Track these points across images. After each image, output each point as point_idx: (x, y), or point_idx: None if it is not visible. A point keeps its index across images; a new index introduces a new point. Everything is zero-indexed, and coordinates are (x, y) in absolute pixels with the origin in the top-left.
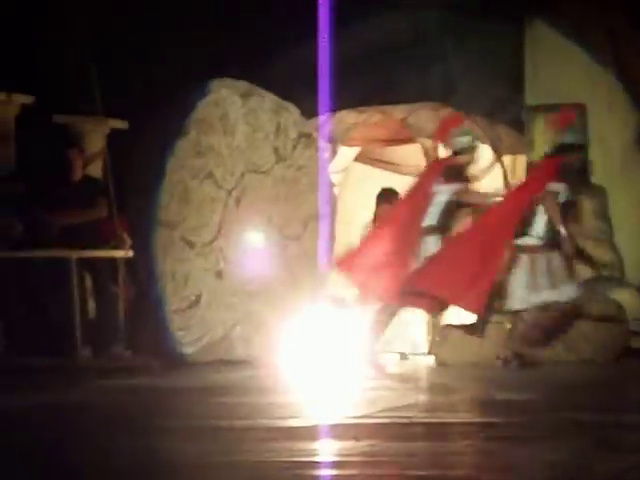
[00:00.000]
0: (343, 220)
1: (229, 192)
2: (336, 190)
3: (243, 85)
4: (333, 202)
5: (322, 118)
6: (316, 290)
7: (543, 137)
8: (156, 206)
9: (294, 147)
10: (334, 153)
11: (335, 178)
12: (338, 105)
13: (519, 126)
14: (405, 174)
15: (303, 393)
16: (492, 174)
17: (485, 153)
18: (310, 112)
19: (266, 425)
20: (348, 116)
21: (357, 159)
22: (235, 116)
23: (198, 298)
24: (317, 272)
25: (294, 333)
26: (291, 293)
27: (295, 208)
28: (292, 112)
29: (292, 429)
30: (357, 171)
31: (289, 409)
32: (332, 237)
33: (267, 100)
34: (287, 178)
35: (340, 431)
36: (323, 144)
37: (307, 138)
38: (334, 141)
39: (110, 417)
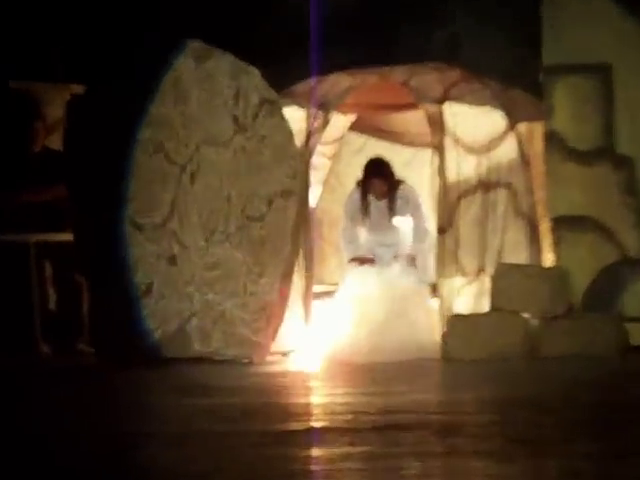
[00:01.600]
0: (336, 198)
1: (182, 167)
2: (329, 163)
3: (197, 45)
4: (302, 177)
5: (312, 81)
6: (283, 276)
7: (564, 102)
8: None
9: (256, 115)
10: (326, 121)
11: (327, 150)
12: (330, 66)
13: (536, 90)
14: (407, 144)
15: (288, 393)
16: (506, 144)
17: (498, 120)
18: (298, 74)
19: (253, 429)
20: (342, 79)
21: (352, 128)
22: (189, 81)
23: (149, 287)
24: (283, 256)
25: (262, 325)
26: (255, 280)
27: (258, 184)
28: (253, 75)
29: (282, 433)
30: (353, 142)
31: (276, 411)
32: (302, 217)
33: (225, 62)
34: (248, 150)
35: (335, 436)
36: (313, 111)
37: (270, 105)
38: (326, 108)
39: (81, 421)
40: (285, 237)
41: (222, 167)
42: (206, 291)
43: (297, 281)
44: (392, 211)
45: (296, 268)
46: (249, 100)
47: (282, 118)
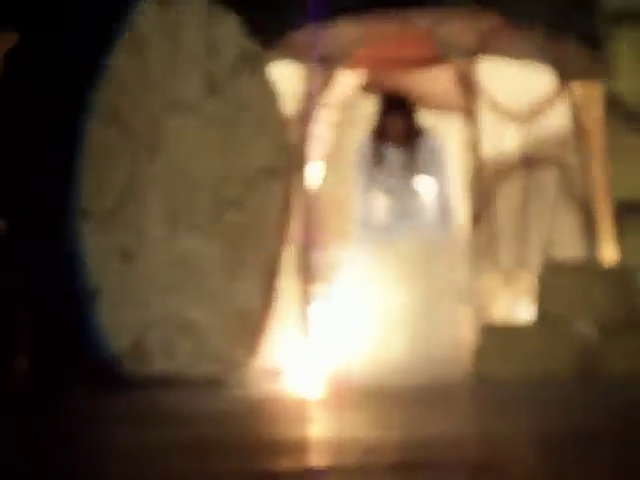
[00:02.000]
0: (343, 177)
1: (140, 138)
2: (333, 132)
3: None
4: (290, 150)
5: (312, 29)
6: (267, 276)
7: (629, 56)
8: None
9: (233, 73)
10: (329, 80)
11: (332, 116)
12: (336, 11)
13: (594, 41)
14: (432, 108)
15: (280, 422)
16: (556, 109)
17: (546, 79)
18: (295, 21)
19: (236, 468)
20: (351, 27)
21: (364, 88)
22: (148, 29)
23: (97, 291)
24: (267, 251)
25: (240, 336)
26: (231, 281)
27: (235, 160)
28: (230, 23)
29: (273, 475)
30: (364, 105)
31: (265, 445)
32: (288, 201)
33: (194, 7)
34: (224, 118)
35: (340, 478)
36: (314, 67)
37: (252, 60)
38: (330, 63)
39: (19, 464)
40: (269, 227)
41: (190, 138)
42: (170, 294)
43: (292, 282)
44: (413, 164)
45: (291, 266)
46: (224, 54)
47: (266, 77)
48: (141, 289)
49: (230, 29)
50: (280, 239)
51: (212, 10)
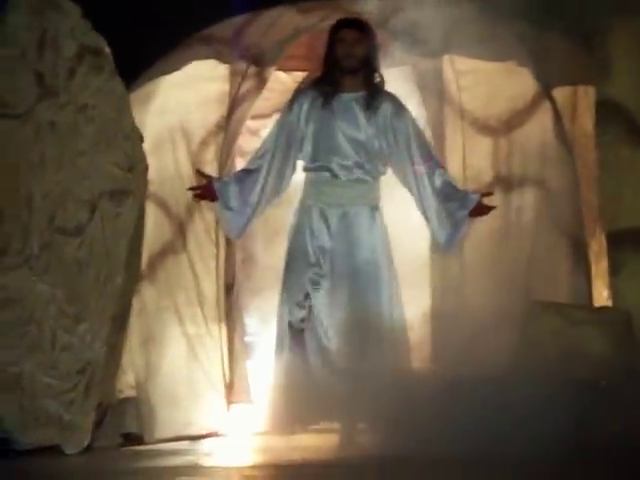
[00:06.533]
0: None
1: None
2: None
3: None
4: (142, 169)
5: (239, 20)
6: (114, 321)
7: (626, 55)
8: None
9: (72, 73)
10: (260, 84)
11: (262, 127)
12: None
13: (584, 37)
14: None
15: None
16: (537, 118)
17: (526, 84)
18: (217, 11)
19: None
20: (286, 17)
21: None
22: None
23: None
24: (113, 290)
25: (79, 396)
26: (69, 326)
27: (75, 179)
28: (67, 12)
29: None
30: None
31: None
32: (140, 230)
33: None
34: (60, 127)
35: None
36: (241, 66)
37: (95, 57)
38: (260, 61)
39: None
40: (116, 260)
41: (17, 152)
42: None
43: (214, 330)
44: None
45: (211, 308)
46: (61, 50)
47: (113, 78)
48: None
49: (67, 19)
50: (131, 276)
51: None
